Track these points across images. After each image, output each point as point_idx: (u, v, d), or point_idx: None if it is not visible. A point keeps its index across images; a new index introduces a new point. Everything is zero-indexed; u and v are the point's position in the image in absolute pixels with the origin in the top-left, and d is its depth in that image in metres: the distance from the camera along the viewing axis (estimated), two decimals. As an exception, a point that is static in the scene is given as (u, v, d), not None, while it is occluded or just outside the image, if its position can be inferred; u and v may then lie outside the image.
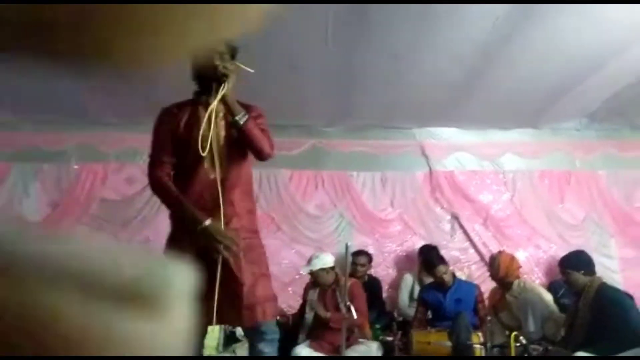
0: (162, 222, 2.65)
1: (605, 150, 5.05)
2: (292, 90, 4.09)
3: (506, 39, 3.17)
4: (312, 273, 3.58)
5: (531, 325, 3.34)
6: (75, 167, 4.92)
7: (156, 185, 1.99)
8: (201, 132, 1.89)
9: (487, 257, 4.76)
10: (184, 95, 2.06)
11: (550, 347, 3.12)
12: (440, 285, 3.79)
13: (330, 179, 5.04)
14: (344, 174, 5.05)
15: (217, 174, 1.91)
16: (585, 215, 4.93)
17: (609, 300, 2.95)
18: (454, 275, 3.87)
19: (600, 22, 2.97)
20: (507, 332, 3.64)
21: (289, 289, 4.76)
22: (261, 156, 1.98)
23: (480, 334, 3.42)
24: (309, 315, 3.63)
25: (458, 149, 5.04)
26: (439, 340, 3.37)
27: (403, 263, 4.91)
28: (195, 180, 1.91)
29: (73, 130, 4.83)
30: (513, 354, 3.14)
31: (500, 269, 3.75)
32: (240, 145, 1.98)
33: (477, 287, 3.91)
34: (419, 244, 4.78)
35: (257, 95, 4.08)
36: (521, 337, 3.17)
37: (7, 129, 4.89)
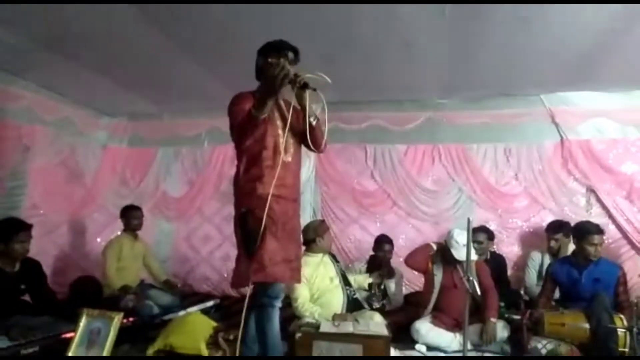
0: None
1: None
2: (404, 65, 4.01)
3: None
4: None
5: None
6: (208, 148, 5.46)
7: (242, 122, 2.18)
8: (280, 130, 2.29)
9: (631, 234, 4.30)
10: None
11: None
12: (577, 262, 3.48)
13: (448, 152, 4.89)
14: (462, 147, 4.86)
15: (291, 158, 2.33)
16: None
17: None
18: None
19: None
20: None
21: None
22: (318, 149, 2.40)
23: (622, 317, 3.09)
24: (436, 289, 3.57)
25: (595, 115, 4.51)
26: (576, 322, 3.13)
27: (529, 240, 4.62)
28: (276, 162, 2.24)
29: (205, 117, 5.36)
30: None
31: None
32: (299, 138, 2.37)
33: (620, 267, 3.52)
34: (548, 219, 4.44)
35: (369, 74, 4.14)
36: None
37: (153, 118, 5.60)
